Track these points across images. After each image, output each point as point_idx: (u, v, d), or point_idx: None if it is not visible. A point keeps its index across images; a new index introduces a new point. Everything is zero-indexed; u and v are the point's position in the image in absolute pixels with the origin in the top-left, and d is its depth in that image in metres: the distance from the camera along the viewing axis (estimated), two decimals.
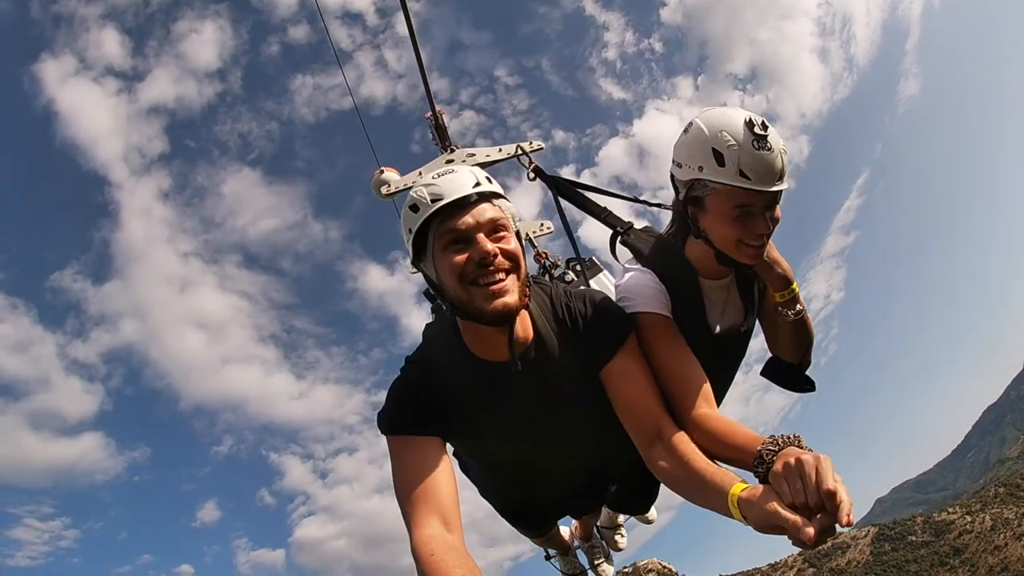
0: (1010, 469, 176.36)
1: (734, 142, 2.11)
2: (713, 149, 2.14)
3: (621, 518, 4.77)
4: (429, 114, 6.68)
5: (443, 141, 6.72)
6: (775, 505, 1.49)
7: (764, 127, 2.10)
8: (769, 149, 2.11)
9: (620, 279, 2.54)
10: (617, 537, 4.82)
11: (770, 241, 2.30)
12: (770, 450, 1.66)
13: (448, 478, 1.97)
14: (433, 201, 1.93)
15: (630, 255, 2.66)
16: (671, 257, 2.50)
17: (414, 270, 6.93)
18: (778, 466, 1.57)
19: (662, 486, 2.65)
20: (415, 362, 2.20)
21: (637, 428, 2.09)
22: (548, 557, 4.45)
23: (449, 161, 6.17)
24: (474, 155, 6.25)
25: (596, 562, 4.77)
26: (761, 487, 1.59)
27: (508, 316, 1.95)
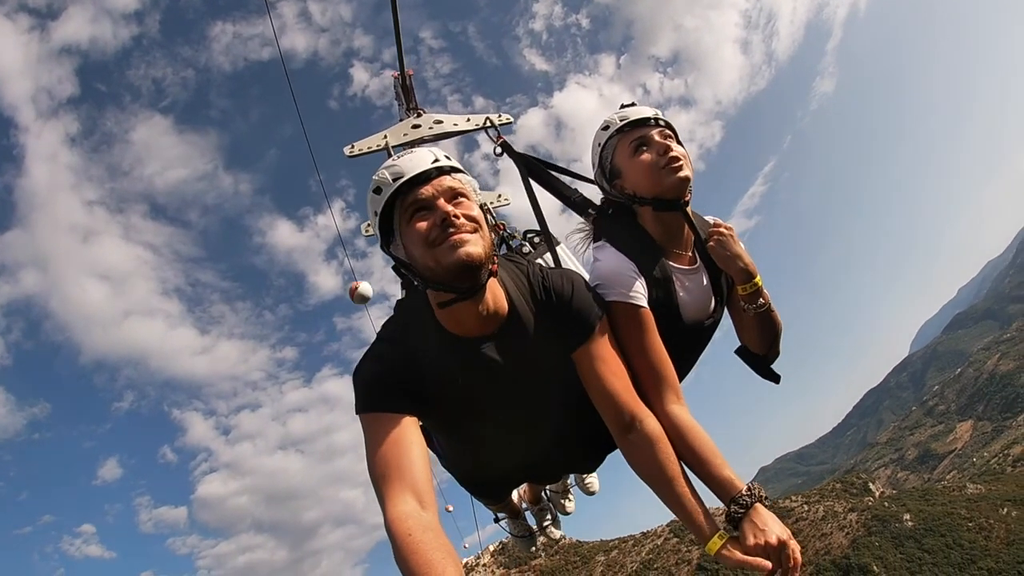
0: (878, 453, 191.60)
1: (612, 115, 2.63)
2: (603, 125, 2.63)
3: (571, 480, 4.94)
4: (397, 73, 6.26)
5: (408, 103, 6.29)
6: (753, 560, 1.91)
7: (632, 103, 2.66)
8: (637, 106, 2.61)
9: (594, 260, 2.54)
10: (565, 501, 5.02)
11: (733, 236, 2.47)
12: (739, 512, 1.98)
13: (422, 456, 1.93)
14: (394, 180, 2.01)
15: (599, 239, 2.66)
16: (634, 234, 2.54)
17: (370, 232, 6.71)
18: (751, 539, 1.92)
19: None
20: (387, 339, 2.17)
21: (612, 413, 2.16)
22: (497, 520, 4.61)
23: (416, 127, 5.89)
24: (441, 122, 6.00)
25: (544, 524, 4.96)
26: (734, 549, 1.95)
27: (472, 267, 1.96)
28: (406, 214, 2.01)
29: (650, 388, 2.24)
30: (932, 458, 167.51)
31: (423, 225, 1.97)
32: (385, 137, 5.78)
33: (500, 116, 5.75)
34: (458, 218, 1.97)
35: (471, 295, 2.03)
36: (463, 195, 2.05)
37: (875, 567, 68.53)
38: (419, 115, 6.03)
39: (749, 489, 2.02)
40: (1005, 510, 70.83)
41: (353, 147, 5.75)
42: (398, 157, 2.08)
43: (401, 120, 6.10)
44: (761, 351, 2.66)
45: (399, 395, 2.01)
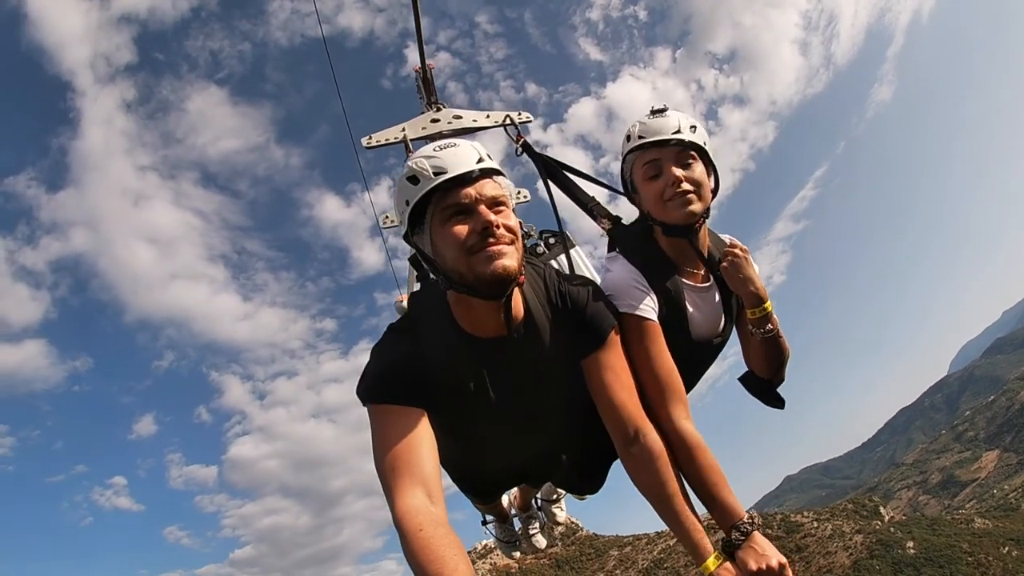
0: (903, 474, 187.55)
1: (636, 122, 2.54)
2: (626, 134, 2.56)
3: (561, 490, 4.84)
4: (418, 66, 6.16)
5: (429, 96, 6.19)
6: None
7: (663, 108, 2.51)
8: (663, 116, 2.48)
9: (605, 271, 2.55)
10: (555, 509, 4.97)
11: (747, 259, 2.42)
12: (740, 540, 2.03)
13: (432, 450, 1.92)
14: (436, 174, 1.92)
15: (612, 249, 2.68)
16: (648, 247, 2.54)
17: (388, 224, 6.76)
18: (753, 564, 1.96)
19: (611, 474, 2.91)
20: (401, 331, 2.15)
21: (616, 425, 2.15)
22: (485, 523, 4.56)
23: (435, 121, 5.80)
24: (461, 118, 5.91)
25: (531, 532, 4.89)
26: (733, 572, 2.00)
27: (506, 281, 1.94)
28: (443, 213, 1.95)
29: (658, 401, 2.24)
30: (955, 484, 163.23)
31: (462, 230, 1.92)
32: (403, 130, 5.72)
33: (520, 114, 5.53)
34: (499, 228, 1.93)
35: (494, 300, 2.01)
36: (503, 203, 2.01)
37: None
38: (439, 109, 5.99)
39: (750, 517, 2.07)
40: (1007, 548, 69.85)
41: (371, 138, 5.68)
42: (440, 149, 1.99)
43: (421, 113, 6.06)
44: (766, 376, 2.65)
45: (409, 388, 1.99)
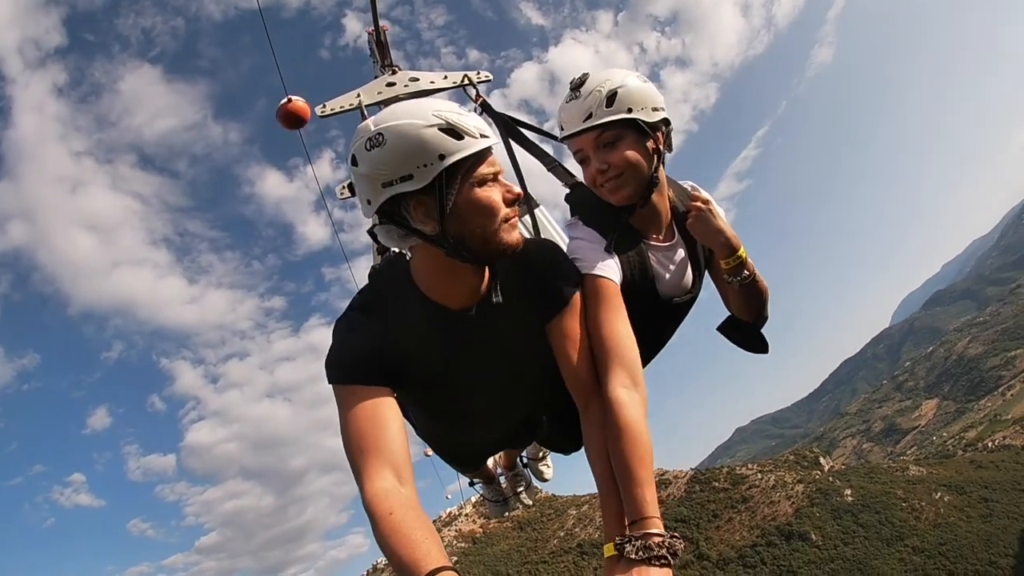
0: (847, 423, 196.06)
1: (562, 102, 2.38)
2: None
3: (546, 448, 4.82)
4: (371, 29, 5.94)
5: (383, 60, 5.96)
6: None
7: (581, 80, 2.30)
8: (577, 97, 2.30)
9: (569, 237, 2.44)
10: (543, 467, 4.95)
11: (712, 210, 2.34)
12: (639, 555, 1.62)
13: (400, 430, 1.85)
14: (482, 137, 1.82)
15: (574, 214, 2.57)
16: (608, 211, 2.39)
17: (346, 195, 6.40)
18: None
19: None
20: (362, 308, 2.03)
21: (574, 388, 2.12)
22: (472, 484, 4.62)
23: (391, 84, 5.53)
24: (418, 80, 5.63)
25: (518, 490, 4.89)
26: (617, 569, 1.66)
27: (517, 250, 1.95)
28: (478, 177, 1.84)
29: (603, 366, 2.05)
30: (896, 432, 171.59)
31: (498, 198, 1.87)
32: (359, 96, 5.44)
33: (480, 73, 5.39)
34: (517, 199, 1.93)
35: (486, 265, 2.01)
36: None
37: (814, 535, 72.91)
38: (394, 72, 5.71)
39: (667, 545, 1.65)
40: (939, 495, 74.25)
41: (325, 107, 5.35)
42: (462, 113, 1.83)
43: (376, 78, 5.78)
44: (749, 319, 2.58)
45: (376, 367, 1.92)
